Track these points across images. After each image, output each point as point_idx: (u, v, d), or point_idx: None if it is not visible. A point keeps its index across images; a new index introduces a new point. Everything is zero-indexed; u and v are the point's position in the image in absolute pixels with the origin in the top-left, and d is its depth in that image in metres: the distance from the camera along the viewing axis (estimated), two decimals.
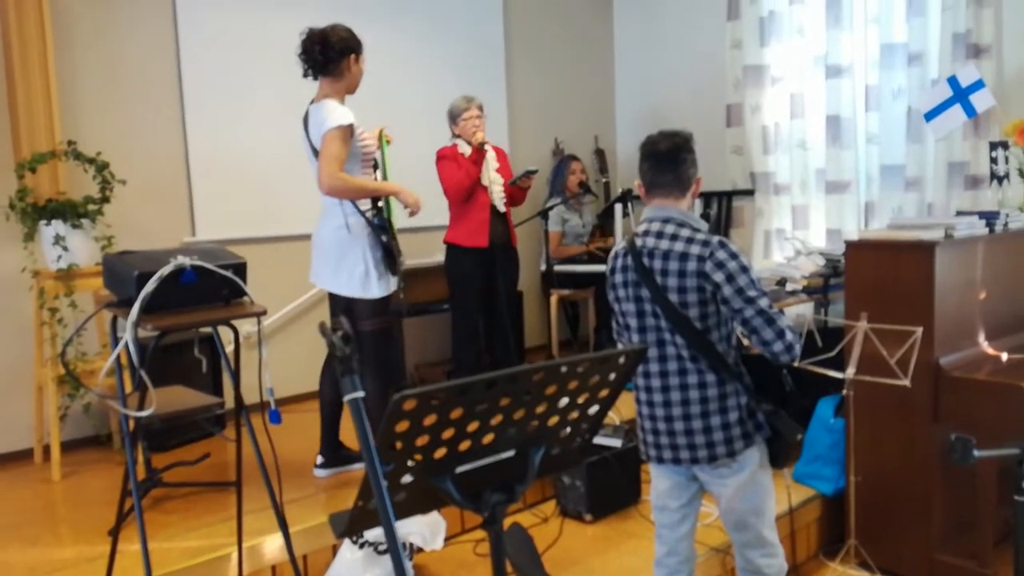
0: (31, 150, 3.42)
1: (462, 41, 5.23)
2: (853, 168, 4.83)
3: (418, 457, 1.27)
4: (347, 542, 2.78)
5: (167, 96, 4.07)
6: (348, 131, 2.96)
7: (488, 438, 1.33)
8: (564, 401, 1.40)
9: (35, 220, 3.26)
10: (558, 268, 4.88)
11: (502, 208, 4.12)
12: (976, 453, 1.64)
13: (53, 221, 3.26)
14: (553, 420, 1.42)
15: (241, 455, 2.42)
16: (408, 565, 2.79)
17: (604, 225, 5.43)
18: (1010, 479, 1.74)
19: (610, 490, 3.35)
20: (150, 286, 1.89)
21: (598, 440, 3.36)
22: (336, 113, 2.95)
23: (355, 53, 3.08)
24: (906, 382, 2.90)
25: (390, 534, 1.05)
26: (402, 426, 1.19)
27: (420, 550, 2.85)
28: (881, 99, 4.64)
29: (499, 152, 4.24)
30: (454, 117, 4.10)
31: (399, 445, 1.23)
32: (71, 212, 3.28)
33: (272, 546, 2.70)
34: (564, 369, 1.35)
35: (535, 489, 3.49)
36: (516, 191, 4.20)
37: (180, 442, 3.70)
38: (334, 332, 1.05)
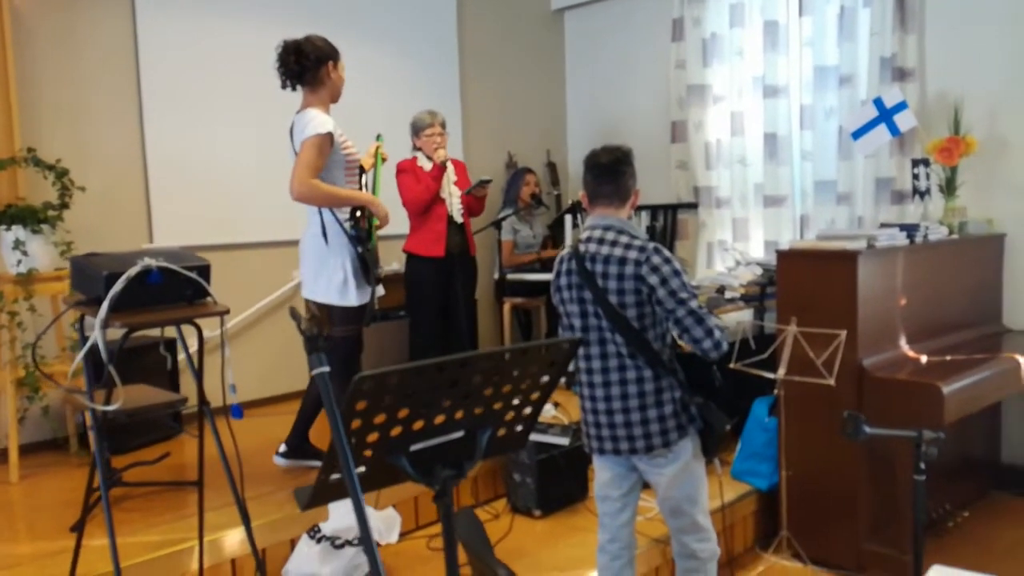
0: None
1: (417, 55, 5.38)
2: (789, 183, 5.09)
3: (375, 435, 1.41)
4: (305, 536, 2.89)
5: (125, 103, 4.14)
6: (327, 139, 3.05)
7: (439, 419, 1.47)
8: (508, 387, 1.56)
9: None
10: (511, 277, 5.05)
11: (459, 219, 4.26)
12: (867, 429, 1.83)
13: (13, 226, 3.32)
14: (498, 404, 1.57)
15: (203, 449, 2.51)
16: (363, 559, 2.92)
17: (555, 236, 5.62)
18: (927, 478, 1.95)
19: (558, 487, 3.50)
20: (119, 285, 2.00)
21: (547, 439, 3.52)
22: (315, 122, 3.04)
23: (332, 60, 3.17)
24: (831, 381, 3.12)
25: (357, 504, 1.18)
26: (361, 405, 1.33)
27: (376, 544, 2.96)
28: (815, 118, 4.90)
29: (458, 165, 4.39)
30: (417, 131, 4.22)
31: (357, 423, 1.37)
32: (31, 218, 3.34)
33: (232, 540, 2.80)
34: (508, 356, 1.51)
35: (487, 486, 3.63)
36: (473, 201, 4.34)
37: (140, 444, 3.76)
38: (303, 318, 1.19)
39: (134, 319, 2.04)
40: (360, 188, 3.30)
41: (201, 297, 2.24)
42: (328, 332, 3.24)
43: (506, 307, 5.21)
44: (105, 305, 1.98)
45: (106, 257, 2.15)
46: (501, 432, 1.63)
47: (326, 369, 1.21)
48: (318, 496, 1.43)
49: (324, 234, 3.12)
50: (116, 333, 2.18)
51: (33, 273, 3.35)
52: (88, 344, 2.03)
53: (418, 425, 1.45)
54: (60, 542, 2.76)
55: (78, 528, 2.43)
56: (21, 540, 2.82)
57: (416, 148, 4.24)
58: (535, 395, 1.63)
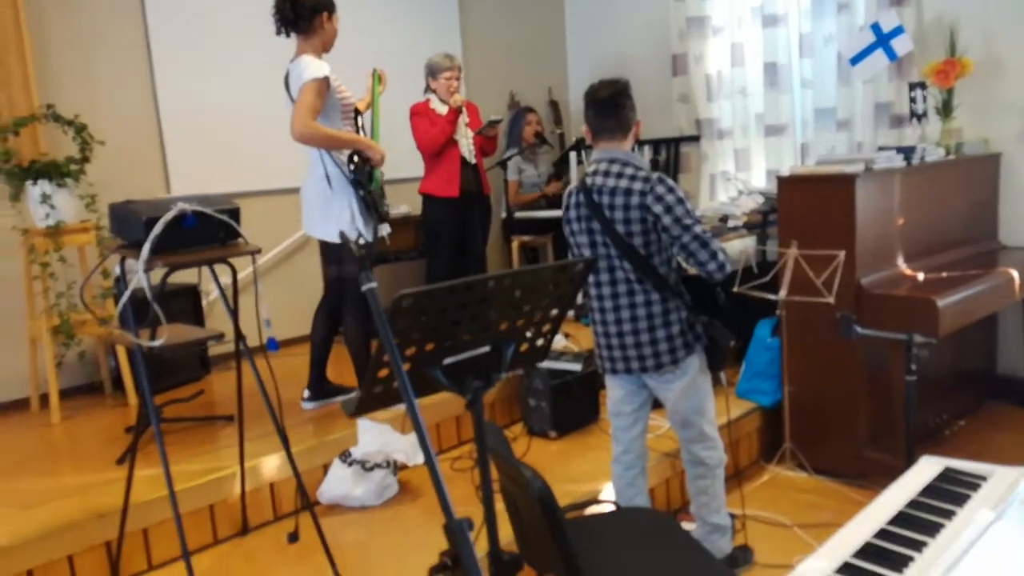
0: (9, 115, 3.58)
1: None
2: (789, 112, 5.16)
3: (412, 350, 1.56)
4: (337, 461, 3.08)
5: (135, 57, 4.22)
6: (324, 84, 3.15)
7: (468, 335, 1.62)
8: (529, 304, 1.70)
9: (21, 181, 3.43)
10: (518, 215, 5.16)
11: (472, 160, 4.35)
12: (859, 330, 1.98)
13: (39, 181, 3.44)
14: (520, 321, 1.72)
15: (241, 380, 2.68)
16: (392, 479, 3.11)
17: (559, 174, 5.71)
18: (923, 389, 2.08)
19: (572, 410, 3.69)
20: (158, 228, 2.13)
21: (561, 366, 3.69)
22: (312, 67, 3.13)
23: (327, 11, 3.25)
24: (830, 299, 3.27)
25: (411, 406, 1.31)
26: (401, 322, 1.47)
27: (404, 466, 3.16)
28: (814, 46, 4.94)
29: (469, 107, 4.47)
30: (434, 73, 4.28)
31: (396, 339, 1.51)
32: (55, 172, 3.46)
33: (269, 466, 2.99)
34: (529, 276, 1.65)
35: (504, 412, 3.82)
36: (485, 142, 4.43)
37: (170, 385, 3.95)
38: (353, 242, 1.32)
39: (173, 259, 2.18)
40: (357, 132, 3.39)
41: (232, 238, 2.37)
42: (343, 273, 3.38)
43: (514, 245, 5.34)
44: (147, 246, 2.11)
45: (143, 204, 2.28)
46: (523, 347, 1.78)
47: (374, 284, 1.34)
48: (364, 405, 1.58)
49: (328, 179, 3.22)
50: (154, 278, 2.33)
51: (61, 225, 3.48)
52: (133, 284, 2.17)
53: (450, 340, 1.59)
54: (106, 474, 2.95)
55: (128, 458, 2.61)
56: (70, 474, 3.00)
57: (430, 90, 4.30)
58: (553, 312, 1.78)
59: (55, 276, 3.55)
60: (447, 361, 1.62)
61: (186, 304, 4.07)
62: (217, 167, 4.44)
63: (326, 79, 3.15)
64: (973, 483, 1.80)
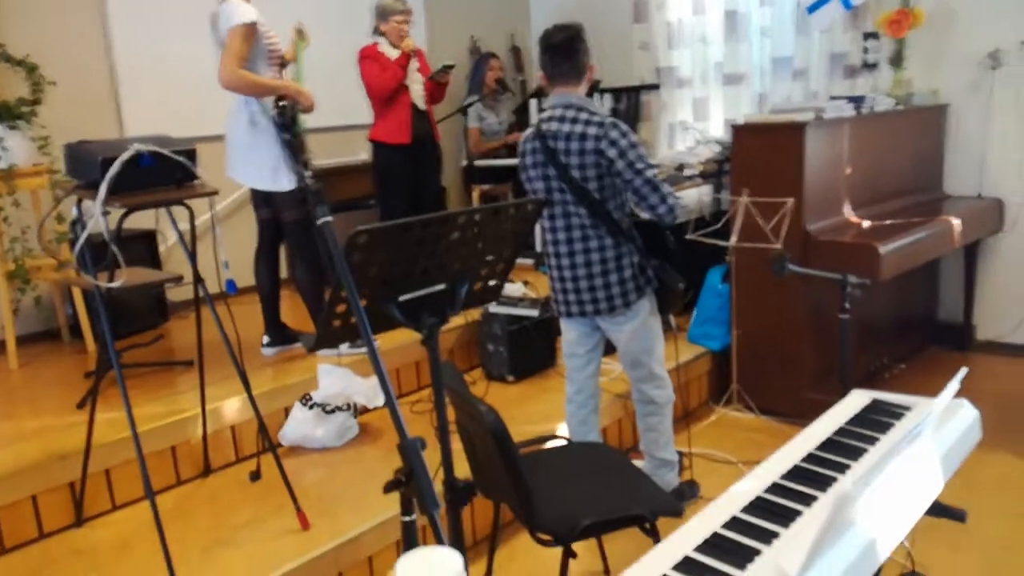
0: None
1: None
2: (748, 61, 5.21)
3: (369, 286, 1.61)
4: (297, 404, 3.14)
5: None
6: (251, 29, 3.10)
7: (424, 271, 1.68)
8: (482, 243, 1.76)
9: None
10: (479, 163, 5.18)
11: (423, 106, 4.32)
12: (791, 267, 2.08)
13: None
14: (474, 260, 1.77)
15: (200, 323, 2.71)
16: (353, 422, 3.18)
17: (520, 121, 5.72)
18: (865, 333, 2.19)
19: (529, 355, 3.78)
20: (115, 168, 2.13)
21: (518, 311, 3.77)
22: (240, 11, 3.08)
23: None
24: (778, 245, 3.38)
25: (368, 339, 1.37)
26: (358, 258, 1.52)
27: (364, 409, 3.24)
28: None
29: (418, 52, 4.43)
30: (384, 16, 4.17)
31: (354, 276, 1.56)
32: (7, 114, 3.40)
33: (230, 408, 3.04)
34: (482, 215, 1.70)
35: (463, 357, 3.90)
36: (436, 88, 4.39)
37: (128, 332, 3.95)
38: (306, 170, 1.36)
39: (131, 200, 2.19)
40: (280, 78, 3.36)
41: (189, 180, 2.38)
42: (280, 218, 3.40)
43: (475, 194, 5.36)
44: (104, 187, 2.12)
45: (98, 144, 2.27)
46: (477, 286, 1.84)
47: (330, 219, 1.38)
48: (322, 340, 1.63)
49: (253, 123, 3.20)
50: (111, 221, 2.33)
51: (14, 169, 3.43)
52: (90, 226, 2.18)
53: (405, 277, 1.64)
54: (67, 418, 2.98)
55: (88, 402, 2.64)
56: (30, 417, 3.02)
57: (378, 33, 4.23)
58: (507, 252, 1.84)
59: (9, 220, 3.51)
60: (403, 298, 1.68)
61: (143, 249, 4.05)
62: (173, 111, 4.38)
63: (254, 24, 3.11)
64: (897, 413, 1.93)
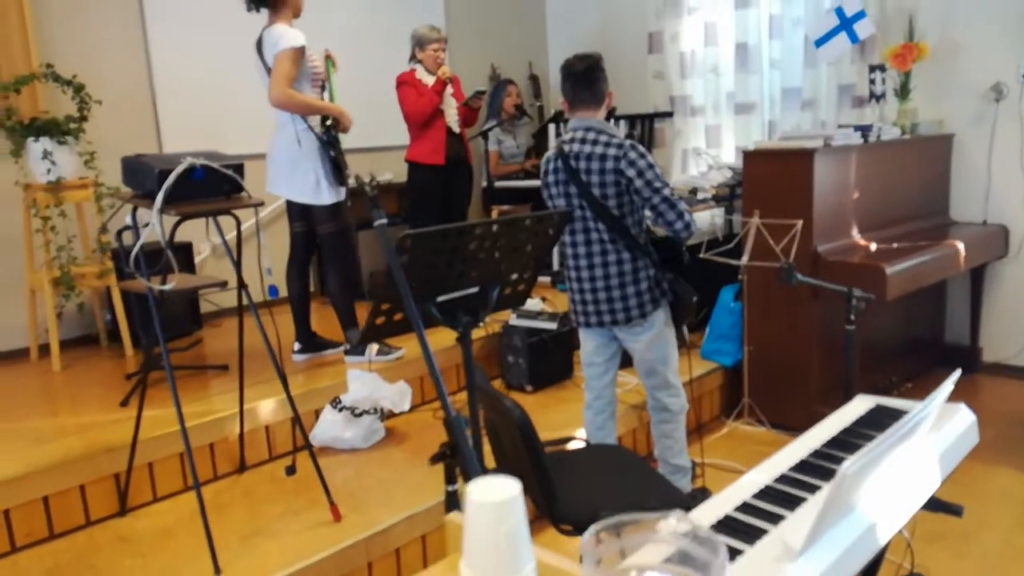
0: (9, 74, 3.71)
1: None
2: (758, 91, 5.39)
3: (412, 285, 1.77)
4: (328, 407, 3.29)
5: (129, 18, 4.34)
6: (299, 52, 3.31)
7: (460, 275, 1.84)
8: (513, 251, 1.92)
9: (23, 137, 3.57)
10: (499, 184, 5.36)
11: (457, 129, 4.53)
12: (799, 276, 2.23)
13: (41, 138, 3.58)
14: (504, 265, 1.93)
15: (242, 325, 2.87)
16: (380, 425, 3.33)
17: (538, 145, 5.91)
18: (875, 352, 2.33)
19: (547, 366, 3.92)
20: (171, 179, 2.31)
21: (537, 325, 3.92)
22: (288, 36, 3.29)
23: None
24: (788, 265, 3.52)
25: (418, 328, 1.52)
26: (403, 260, 1.68)
27: (391, 413, 3.39)
28: (783, 28, 5.18)
29: (453, 79, 4.64)
30: (421, 44, 4.40)
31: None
32: (56, 130, 3.60)
33: (265, 409, 3.20)
34: (514, 225, 1.86)
35: (484, 368, 4.04)
36: (468, 112, 4.61)
37: (165, 338, 4.09)
38: (368, 181, 1.53)
39: (184, 209, 2.37)
40: (322, 99, 3.56)
41: (236, 192, 2.56)
42: (315, 231, 3.58)
43: (494, 213, 5.54)
44: (160, 196, 2.29)
45: (154, 157, 2.45)
46: (507, 290, 2.00)
47: (384, 221, 1.54)
48: (368, 335, 1.79)
49: (299, 141, 3.39)
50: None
51: (61, 181, 3.63)
52: (147, 232, 2.35)
53: (443, 280, 1.80)
54: (111, 415, 3.14)
55: (138, 396, 2.79)
56: (77, 414, 3.18)
57: (415, 60, 4.44)
58: (534, 259, 2.00)
59: (56, 230, 3.70)
60: (441, 298, 1.84)
61: (180, 260, 4.23)
62: (208, 129, 4.58)
63: (302, 48, 3.32)
64: (899, 416, 2.06)
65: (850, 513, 1.50)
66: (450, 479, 1.44)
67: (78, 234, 3.93)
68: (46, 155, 3.58)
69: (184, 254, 4.24)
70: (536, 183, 5.33)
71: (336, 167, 3.45)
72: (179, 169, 2.33)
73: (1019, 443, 3.58)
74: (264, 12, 3.43)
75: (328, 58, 3.65)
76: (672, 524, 0.75)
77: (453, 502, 1.45)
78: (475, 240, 1.79)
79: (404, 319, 1.82)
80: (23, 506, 2.60)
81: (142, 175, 2.39)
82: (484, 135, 5.29)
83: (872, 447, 1.43)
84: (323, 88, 3.58)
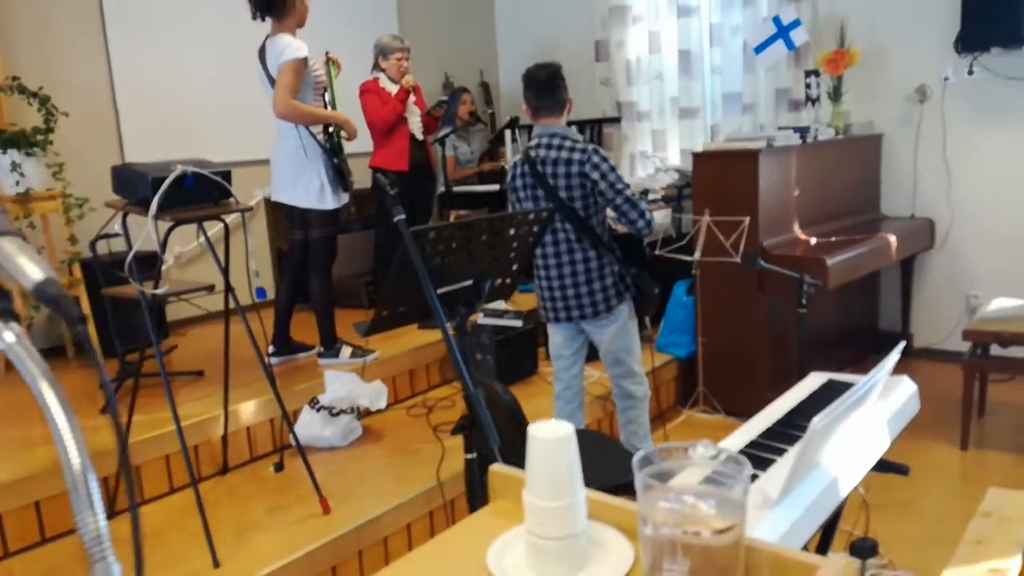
0: None
1: None
2: (701, 96, 5.67)
3: (413, 279, 1.91)
4: (306, 407, 3.39)
5: (90, 29, 4.36)
6: (302, 63, 3.42)
7: (459, 269, 1.99)
8: (504, 244, 2.08)
9: None
10: (457, 189, 5.51)
11: (420, 136, 4.66)
12: (761, 263, 2.45)
13: (8, 150, 3.59)
14: (495, 259, 2.09)
15: (229, 327, 2.95)
16: (356, 424, 3.44)
17: (492, 151, 6.08)
18: (815, 342, 2.56)
19: (514, 363, 4.09)
20: (165, 185, 2.40)
21: (504, 323, 4.08)
22: (292, 47, 3.39)
23: None
24: (737, 259, 3.76)
25: (439, 315, 1.66)
26: (408, 256, 1.82)
27: (367, 411, 3.50)
28: (723, 36, 5.46)
29: (416, 87, 4.77)
30: (384, 53, 4.51)
31: (402, 271, 1.87)
32: (23, 142, 3.61)
33: (246, 411, 3.28)
34: (507, 220, 2.02)
35: (453, 368, 4.18)
36: (430, 120, 4.75)
37: (133, 348, 4.13)
38: (383, 184, 1.66)
39: (177, 215, 2.46)
40: (325, 106, 3.67)
41: (224, 198, 2.65)
42: (308, 235, 3.68)
43: (452, 218, 5.68)
44: (155, 202, 2.38)
45: (145, 166, 2.53)
46: (497, 282, 2.16)
47: (403, 216, 1.68)
48: (375, 326, 1.93)
49: (304, 148, 3.50)
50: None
51: (30, 192, 3.65)
52: (141, 238, 2.44)
53: (442, 273, 1.95)
54: (92, 421, 3.20)
55: (113, 407, 2.86)
56: None
57: (378, 69, 4.55)
58: (521, 253, 2.16)
59: (26, 241, 3.70)
60: (440, 291, 1.99)
61: (147, 268, 4.25)
62: (170, 140, 4.62)
63: (305, 59, 3.42)
64: (850, 387, 2.28)
65: (815, 469, 1.71)
66: (468, 448, 1.59)
67: (45, 245, 3.93)
68: (15, 167, 3.59)
69: (150, 263, 4.26)
70: (491, 187, 5.50)
71: (340, 173, 3.56)
72: (172, 176, 2.43)
73: (951, 421, 3.88)
74: (259, 20, 3.50)
75: (329, 61, 3.75)
76: (701, 450, 0.92)
77: (472, 470, 1.59)
78: (473, 235, 1.95)
79: (407, 312, 1.97)
80: (16, 511, 2.64)
81: (135, 183, 2.47)
82: (441, 141, 5.43)
83: (835, 406, 1.63)
84: (324, 95, 3.67)
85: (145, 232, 2.41)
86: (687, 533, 0.84)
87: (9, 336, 0.66)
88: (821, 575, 0.90)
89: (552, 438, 0.95)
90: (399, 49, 4.49)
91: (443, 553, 1.07)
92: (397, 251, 1.81)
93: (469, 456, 1.59)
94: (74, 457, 0.63)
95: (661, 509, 0.87)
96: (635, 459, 0.89)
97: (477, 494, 1.61)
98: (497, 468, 1.15)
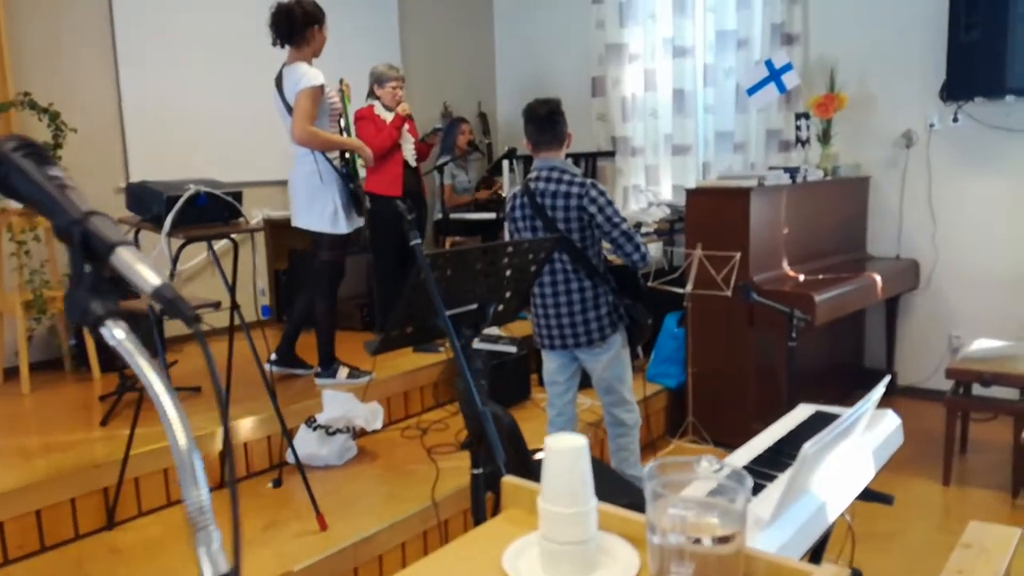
0: None
1: (358, 9, 5.79)
2: (694, 134, 5.81)
3: (423, 301, 1.99)
4: (303, 426, 3.43)
5: (101, 48, 4.46)
6: (319, 91, 3.53)
7: (465, 292, 2.07)
8: (509, 271, 2.16)
9: None
10: (453, 216, 5.61)
11: (413, 163, 4.77)
12: (755, 296, 2.54)
13: None
14: (500, 285, 2.17)
15: (232, 345, 3.01)
16: (352, 443, 3.49)
17: (488, 180, 6.19)
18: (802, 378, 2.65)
19: (507, 388, 4.15)
20: (179, 204, 2.48)
21: (498, 348, 4.16)
22: (309, 75, 3.50)
23: (318, 24, 3.63)
24: (727, 293, 3.86)
25: (452, 335, 1.74)
26: (419, 278, 1.90)
27: (363, 432, 3.55)
28: (716, 76, 5.62)
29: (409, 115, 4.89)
30: (380, 81, 4.64)
31: (414, 292, 1.95)
32: None
33: (243, 428, 3.33)
34: (512, 248, 2.11)
35: (446, 390, 4.25)
36: (423, 147, 4.86)
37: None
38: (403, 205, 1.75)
39: (190, 232, 2.53)
40: (340, 132, 3.77)
41: (235, 218, 2.73)
42: (317, 257, 3.76)
43: (447, 244, 5.77)
44: (169, 219, 2.46)
45: (159, 184, 2.61)
46: (500, 307, 2.24)
47: (419, 241, 1.76)
48: (383, 347, 2.00)
49: (320, 174, 3.60)
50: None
51: None
52: (154, 254, 2.50)
53: (450, 296, 2.03)
54: (92, 433, 3.23)
55: (110, 419, 2.91)
56: (59, 433, 3.24)
57: (373, 96, 4.66)
58: (524, 280, 2.25)
59: (30, 254, 3.76)
60: (448, 313, 2.06)
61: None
62: (174, 157, 4.69)
63: (322, 87, 3.53)
64: (836, 418, 2.37)
65: (805, 495, 1.79)
66: (475, 463, 1.66)
67: (48, 259, 3.98)
68: None
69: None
70: (486, 216, 5.60)
71: (355, 198, 3.66)
72: (187, 195, 2.50)
73: (934, 457, 3.97)
74: (278, 46, 3.61)
75: (342, 89, 3.85)
76: (706, 465, 1.00)
77: (478, 484, 1.66)
78: (479, 261, 2.03)
79: (415, 332, 2.04)
80: (17, 519, 2.67)
81: (149, 200, 2.54)
82: (439, 169, 5.54)
83: (825, 434, 1.71)
84: (339, 121, 3.78)
85: (158, 249, 2.48)
86: (692, 540, 0.91)
87: (120, 333, 0.73)
88: None
89: (568, 448, 1.03)
90: (395, 78, 4.61)
91: (460, 556, 1.13)
92: (409, 274, 1.89)
93: (475, 471, 1.66)
94: (181, 439, 0.70)
95: (669, 517, 0.95)
96: (646, 469, 0.97)
97: (482, 508, 1.68)
98: (509, 479, 1.22)
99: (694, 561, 0.95)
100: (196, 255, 4.50)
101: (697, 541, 0.94)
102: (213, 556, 0.70)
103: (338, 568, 2.67)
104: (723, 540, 0.95)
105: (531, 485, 1.25)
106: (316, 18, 3.60)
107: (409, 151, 4.72)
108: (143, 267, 0.73)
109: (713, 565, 0.95)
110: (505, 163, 5.35)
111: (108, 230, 0.74)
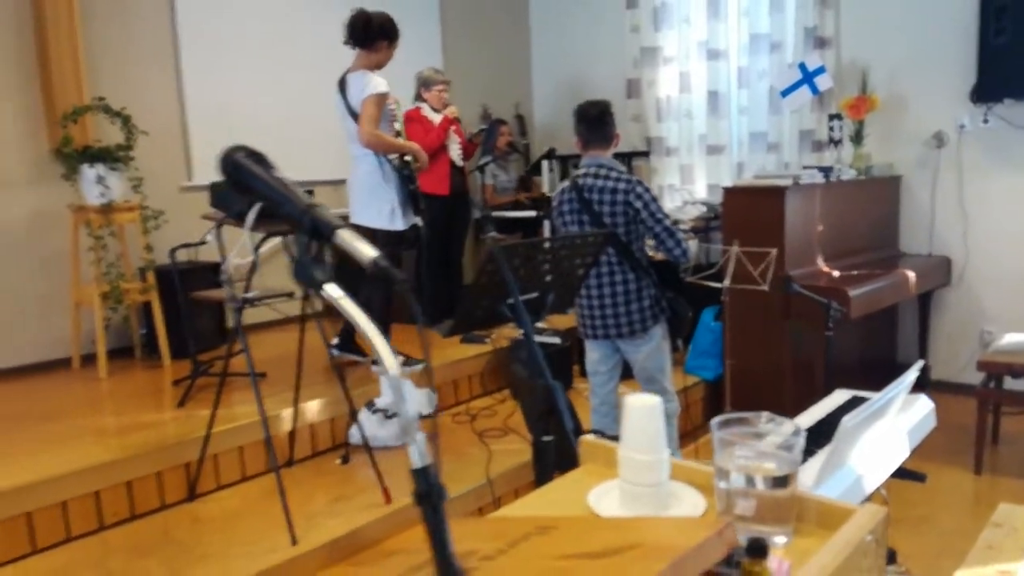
0: (62, 106, 4.05)
1: (403, 17, 5.99)
2: (728, 134, 5.96)
3: (492, 289, 2.19)
4: (364, 408, 3.66)
5: (165, 57, 4.72)
6: (384, 98, 3.79)
7: (526, 282, 2.26)
8: (565, 263, 2.36)
9: (78, 163, 3.91)
10: (495, 214, 5.81)
11: (460, 162, 4.99)
12: (796, 287, 2.71)
13: (95, 164, 3.92)
14: (556, 275, 2.37)
15: (304, 332, 3.23)
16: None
17: (526, 180, 6.39)
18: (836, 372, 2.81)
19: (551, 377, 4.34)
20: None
21: (543, 339, 4.35)
22: (374, 82, 3.75)
23: (389, 39, 3.87)
24: (765, 287, 4.01)
25: (524, 322, 1.94)
26: (491, 267, 2.10)
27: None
28: (750, 79, 5.76)
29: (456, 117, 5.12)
30: (427, 85, 4.88)
31: (484, 280, 2.15)
32: (109, 157, 3.95)
33: (310, 410, 3.56)
34: (568, 241, 2.31)
35: (493, 379, 4.45)
36: (470, 147, 5.08)
37: (198, 350, 4.43)
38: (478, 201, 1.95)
39: (270, 228, 2.76)
40: (397, 136, 4.01)
41: None
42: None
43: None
44: (251, 215, 2.67)
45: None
46: (558, 297, 2.44)
47: (494, 233, 1.96)
48: (455, 329, 2.20)
49: (382, 174, 3.83)
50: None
51: (112, 204, 3.97)
52: (237, 247, 2.73)
53: (514, 283, 2.23)
54: (171, 414, 3.49)
55: (187, 401, 3.14)
56: (140, 413, 3.49)
57: (420, 99, 4.90)
58: (580, 271, 2.44)
59: (107, 248, 4.03)
60: (510, 301, 2.26)
61: (210, 278, 4.56)
62: None
63: (386, 94, 3.78)
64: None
65: (844, 467, 1.97)
66: (545, 431, 1.85)
67: (122, 253, 4.25)
68: (100, 180, 3.92)
69: (214, 273, 4.56)
70: (526, 214, 5.79)
71: (414, 198, 3.89)
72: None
73: (966, 449, 4.09)
74: (349, 46, 3.83)
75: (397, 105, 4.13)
76: (765, 419, 1.19)
77: (548, 451, 1.86)
78: (541, 253, 2.23)
79: (483, 316, 2.24)
80: (111, 488, 2.92)
81: (232, 198, 2.77)
82: (481, 169, 5.74)
83: (863, 409, 1.88)
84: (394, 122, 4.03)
85: (240, 242, 2.71)
86: (753, 481, 1.10)
87: (336, 291, 0.93)
88: (857, 516, 1.16)
89: (646, 406, 1.22)
90: (441, 81, 4.84)
91: (548, 500, 1.33)
92: (480, 264, 2.09)
93: (545, 439, 1.85)
94: (392, 367, 0.88)
95: (734, 460, 1.14)
96: (713, 422, 1.16)
97: (549, 474, 1.87)
98: (588, 438, 1.42)
99: (756, 497, 1.13)
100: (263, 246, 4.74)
101: (757, 482, 1.13)
102: (420, 449, 0.85)
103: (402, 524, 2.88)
104: (779, 482, 1.14)
105: (608, 443, 1.45)
106: (390, 34, 3.84)
107: (455, 151, 4.94)
108: (360, 244, 0.92)
109: (771, 503, 1.14)
110: (545, 163, 5.55)
111: (329, 216, 0.94)
